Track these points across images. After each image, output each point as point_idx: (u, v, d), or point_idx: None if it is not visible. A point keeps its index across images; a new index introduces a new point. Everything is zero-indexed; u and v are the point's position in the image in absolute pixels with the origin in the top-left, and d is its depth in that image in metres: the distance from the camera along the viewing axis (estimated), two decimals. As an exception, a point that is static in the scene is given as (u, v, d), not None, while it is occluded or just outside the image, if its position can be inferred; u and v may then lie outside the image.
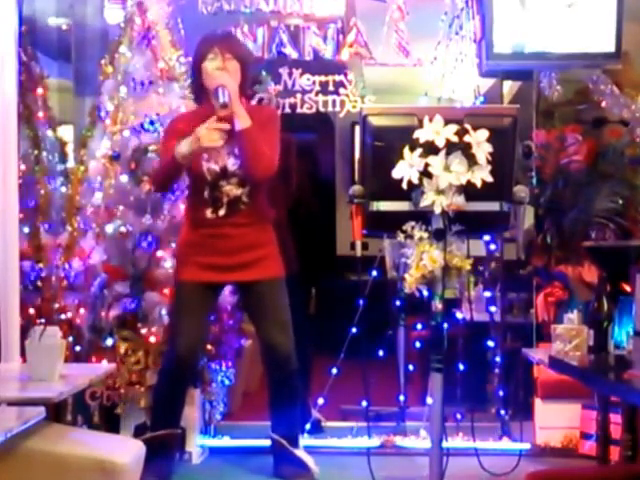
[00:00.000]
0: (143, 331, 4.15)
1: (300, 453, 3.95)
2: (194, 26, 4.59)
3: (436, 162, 3.00)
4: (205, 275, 3.83)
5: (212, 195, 3.80)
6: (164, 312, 4.16)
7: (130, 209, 4.23)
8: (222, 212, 3.80)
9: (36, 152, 4.45)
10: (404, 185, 3.03)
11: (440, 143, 3.00)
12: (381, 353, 4.54)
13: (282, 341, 3.86)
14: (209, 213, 3.81)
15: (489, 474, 3.73)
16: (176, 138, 3.76)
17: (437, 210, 3.02)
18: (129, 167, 4.24)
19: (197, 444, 4.29)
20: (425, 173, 3.01)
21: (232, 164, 3.78)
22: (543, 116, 4.98)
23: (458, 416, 4.27)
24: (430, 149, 3.01)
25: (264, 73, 4.76)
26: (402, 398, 4.83)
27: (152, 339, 4.15)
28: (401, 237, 3.08)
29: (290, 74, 4.80)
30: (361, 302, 4.30)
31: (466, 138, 3.01)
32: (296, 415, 4.03)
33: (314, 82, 4.83)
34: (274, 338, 3.86)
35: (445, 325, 3.17)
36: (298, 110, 4.80)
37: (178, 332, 3.87)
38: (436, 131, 3.01)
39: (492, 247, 4.63)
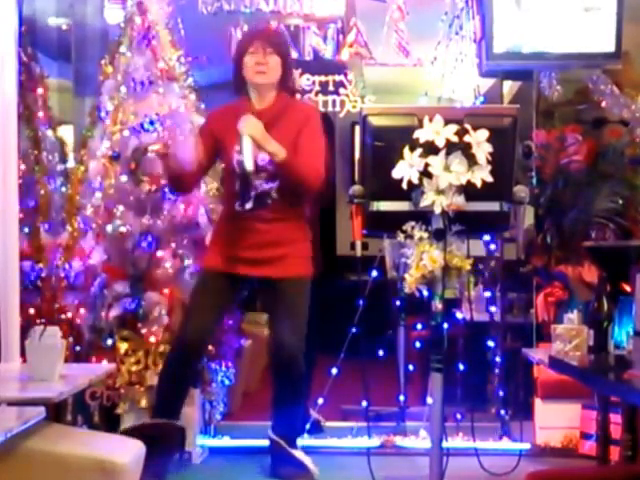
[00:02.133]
0: (143, 331, 4.15)
1: (298, 454, 3.95)
2: (194, 26, 4.60)
3: (436, 162, 3.00)
4: (228, 267, 3.87)
5: (242, 188, 3.83)
6: (164, 312, 4.16)
7: (130, 209, 4.23)
8: (249, 205, 3.83)
9: (36, 152, 4.45)
10: (404, 185, 3.03)
11: (440, 143, 3.00)
12: (381, 353, 4.55)
13: (292, 341, 3.83)
14: (237, 206, 3.85)
15: (489, 474, 3.72)
16: (204, 135, 3.90)
17: (437, 210, 3.02)
18: (129, 167, 4.24)
19: (197, 444, 4.29)
20: (425, 173, 3.01)
21: (261, 159, 3.78)
22: (543, 116, 4.99)
23: (458, 416, 4.27)
24: (430, 149, 3.01)
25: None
26: (402, 398, 4.83)
27: (152, 339, 4.15)
28: (401, 237, 3.08)
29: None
30: (361, 302, 4.30)
31: (466, 138, 3.01)
32: (297, 417, 4.04)
33: (314, 82, 4.84)
34: (282, 336, 3.84)
35: (445, 325, 3.17)
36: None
37: (189, 316, 3.92)
38: (436, 131, 3.01)
39: (492, 247, 4.62)
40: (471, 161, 3.01)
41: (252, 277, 3.98)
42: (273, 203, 3.83)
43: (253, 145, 3.67)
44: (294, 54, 4.75)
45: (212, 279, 3.91)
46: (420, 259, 3.06)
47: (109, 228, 4.23)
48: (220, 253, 3.88)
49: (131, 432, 3.80)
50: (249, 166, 3.65)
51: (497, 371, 4.63)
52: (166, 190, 4.22)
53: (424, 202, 3.02)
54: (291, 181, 3.78)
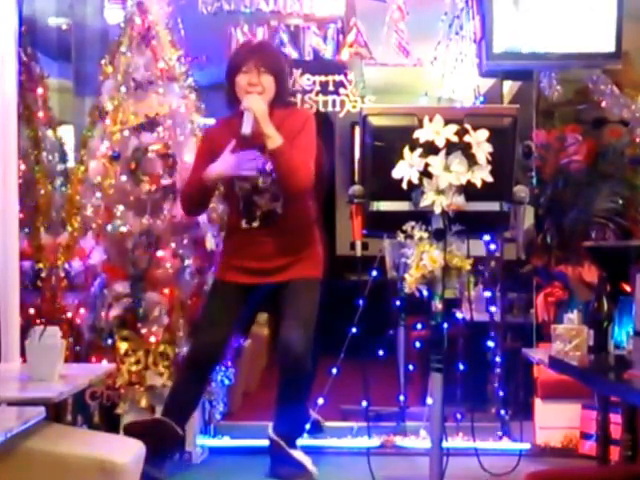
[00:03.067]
0: (143, 331, 4.15)
1: (297, 454, 3.95)
2: (194, 26, 4.60)
3: (436, 162, 3.00)
4: (238, 277, 3.90)
5: (246, 208, 3.88)
6: (164, 312, 4.16)
7: (130, 209, 4.23)
8: (256, 224, 3.87)
9: (36, 152, 4.45)
10: (404, 185, 3.03)
11: (440, 143, 3.00)
12: (381, 353, 4.55)
13: (296, 340, 3.81)
14: (244, 224, 3.89)
15: (489, 474, 3.73)
16: (206, 156, 3.87)
17: (437, 210, 3.02)
18: (129, 167, 4.24)
19: (197, 444, 4.29)
20: (425, 173, 3.01)
21: (262, 182, 3.84)
22: (543, 116, 4.98)
23: (458, 416, 4.27)
24: (430, 149, 3.01)
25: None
26: (402, 398, 4.83)
27: (152, 339, 4.15)
28: (401, 237, 3.08)
29: (290, 74, 4.79)
30: (361, 302, 4.30)
31: (466, 138, 3.01)
32: (300, 417, 4.04)
33: (314, 82, 4.83)
34: (289, 337, 3.82)
35: (445, 325, 3.17)
36: (298, 110, 4.79)
37: (199, 330, 3.97)
38: (436, 131, 3.02)
39: (492, 247, 4.62)
40: (471, 161, 3.01)
41: (263, 285, 3.98)
42: (280, 219, 3.86)
43: (254, 119, 3.69)
44: (294, 54, 4.75)
45: (225, 291, 3.95)
46: (420, 259, 3.06)
47: (109, 228, 4.23)
48: (231, 265, 3.93)
49: (132, 427, 3.82)
50: (247, 131, 3.67)
51: (497, 371, 4.63)
52: (166, 190, 4.21)
53: (424, 202, 3.03)
54: (282, 172, 3.74)
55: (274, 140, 3.72)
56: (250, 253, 3.88)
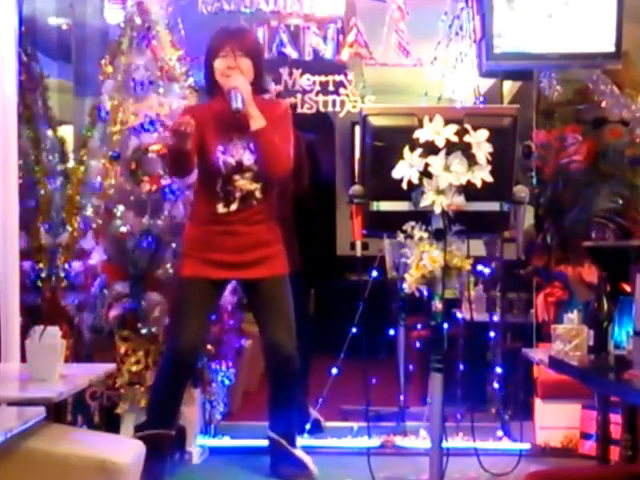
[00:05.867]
0: (143, 331, 4.15)
1: (298, 452, 3.95)
2: (194, 26, 4.60)
3: (436, 162, 3.00)
4: (211, 272, 3.83)
5: (225, 189, 3.81)
6: (164, 312, 4.15)
7: (130, 209, 4.22)
8: (234, 207, 3.81)
9: (36, 152, 4.45)
10: (404, 185, 3.04)
11: (440, 143, 3.01)
12: (381, 353, 4.55)
13: (284, 340, 3.85)
14: (221, 208, 3.82)
15: (489, 474, 3.73)
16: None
17: (437, 210, 3.02)
18: (129, 167, 4.24)
19: (197, 444, 4.29)
20: (425, 173, 3.02)
21: (247, 159, 3.80)
22: (543, 116, 4.98)
23: (458, 416, 4.27)
24: (430, 149, 3.01)
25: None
26: (402, 398, 4.83)
27: (152, 339, 4.14)
28: (401, 237, 3.08)
29: (290, 74, 4.80)
30: (361, 302, 4.30)
31: (466, 138, 3.01)
32: (295, 415, 4.04)
33: (314, 82, 4.83)
34: (277, 337, 3.85)
35: (445, 325, 3.17)
36: (298, 110, 4.80)
37: (179, 330, 3.87)
38: (436, 131, 3.02)
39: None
40: (471, 161, 3.02)
41: (236, 280, 4.00)
42: (258, 204, 3.83)
43: (242, 96, 3.70)
44: (294, 54, 4.76)
45: (197, 289, 3.85)
46: (420, 259, 3.06)
47: (109, 228, 4.23)
48: (201, 259, 3.84)
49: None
50: (239, 105, 3.67)
51: (497, 371, 4.63)
52: (166, 190, 4.21)
53: (424, 202, 3.03)
54: (264, 153, 3.74)
55: (258, 121, 3.73)
56: (224, 244, 3.81)
